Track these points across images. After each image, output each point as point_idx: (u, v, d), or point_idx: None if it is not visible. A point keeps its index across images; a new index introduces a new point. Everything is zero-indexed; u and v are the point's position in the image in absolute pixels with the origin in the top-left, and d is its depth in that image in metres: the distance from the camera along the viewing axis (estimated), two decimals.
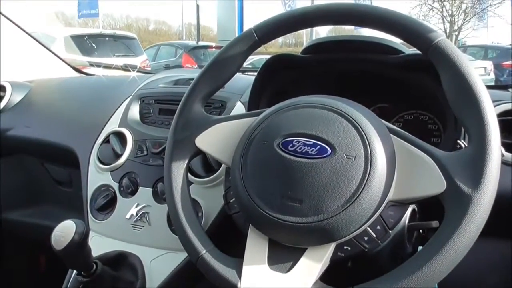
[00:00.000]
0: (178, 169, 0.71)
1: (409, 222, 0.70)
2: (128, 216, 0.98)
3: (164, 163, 0.74)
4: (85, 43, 8.48)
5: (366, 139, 0.59)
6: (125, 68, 1.81)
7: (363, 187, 0.57)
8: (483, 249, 0.94)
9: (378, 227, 0.59)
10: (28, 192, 1.44)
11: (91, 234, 1.02)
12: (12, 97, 1.37)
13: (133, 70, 1.81)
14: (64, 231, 0.77)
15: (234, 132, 0.70)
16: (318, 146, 0.60)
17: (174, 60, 10.64)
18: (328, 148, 0.59)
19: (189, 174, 0.92)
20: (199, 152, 0.73)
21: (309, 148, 0.60)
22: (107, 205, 1.02)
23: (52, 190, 1.39)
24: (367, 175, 0.57)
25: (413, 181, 0.58)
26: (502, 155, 0.83)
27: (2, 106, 1.35)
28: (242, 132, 0.69)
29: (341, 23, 0.68)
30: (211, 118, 0.74)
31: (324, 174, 0.58)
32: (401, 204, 0.60)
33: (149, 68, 9.26)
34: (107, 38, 9.19)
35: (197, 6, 14.32)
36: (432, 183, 0.57)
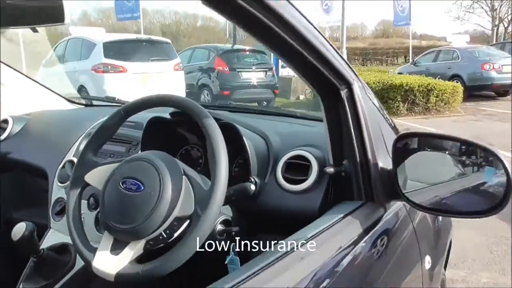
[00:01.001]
0: (73, 196, 1.15)
1: (222, 227, 1.13)
2: None
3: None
4: (121, 48, 9.11)
5: (162, 181, 1.01)
6: (108, 100, 2.30)
7: (154, 208, 0.99)
8: None
9: (168, 231, 1.02)
10: (27, 197, 1.95)
11: (51, 230, 1.51)
12: (13, 128, 1.87)
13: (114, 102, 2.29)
14: (19, 229, 1.24)
15: (109, 171, 1.15)
16: (137, 185, 1.03)
17: (207, 63, 11.16)
18: (142, 186, 1.03)
19: None
20: (88, 184, 1.17)
21: (133, 186, 1.03)
22: (60, 211, 1.52)
23: (43, 196, 1.89)
24: (157, 201, 1.00)
25: (185, 205, 1.02)
26: (281, 186, 1.22)
27: (5, 136, 1.86)
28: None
29: (162, 106, 1.15)
30: (97, 163, 1.18)
31: (137, 201, 1.01)
32: (184, 219, 1.03)
33: (182, 71, 9.81)
34: (144, 43, 9.80)
35: None
36: (190, 207, 1.00)
